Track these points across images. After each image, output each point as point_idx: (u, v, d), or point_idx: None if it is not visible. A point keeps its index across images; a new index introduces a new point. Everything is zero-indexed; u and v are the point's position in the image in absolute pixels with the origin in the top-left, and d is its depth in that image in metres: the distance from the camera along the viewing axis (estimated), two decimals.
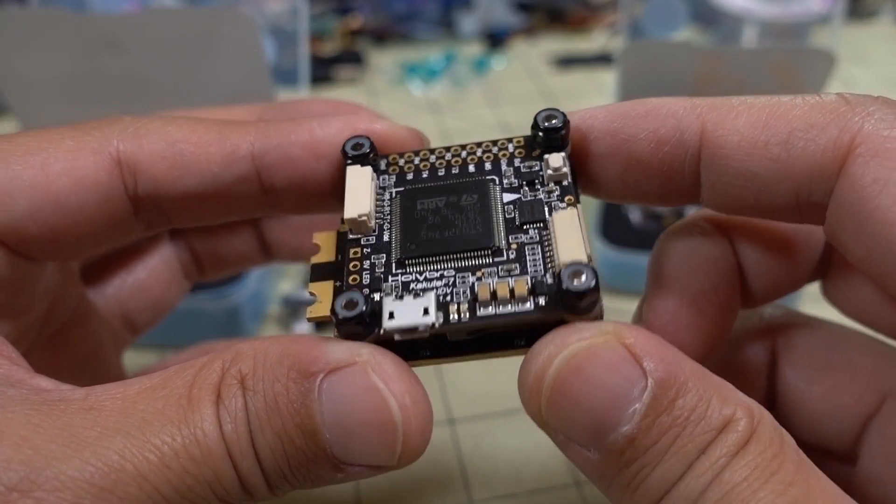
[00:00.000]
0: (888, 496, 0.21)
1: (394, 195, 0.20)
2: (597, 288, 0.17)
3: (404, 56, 0.70)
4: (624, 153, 0.20)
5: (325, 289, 0.19)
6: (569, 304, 0.17)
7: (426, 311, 0.17)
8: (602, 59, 0.68)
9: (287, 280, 0.46)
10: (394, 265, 0.19)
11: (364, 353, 0.17)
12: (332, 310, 0.17)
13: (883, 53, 0.70)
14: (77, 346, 0.25)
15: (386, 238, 0.19)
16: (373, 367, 0.17)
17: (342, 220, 0.20)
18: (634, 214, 0.46)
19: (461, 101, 0.64)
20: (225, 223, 0.25)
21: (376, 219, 0.20)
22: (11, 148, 0.20)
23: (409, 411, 0.17)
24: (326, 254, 0.20)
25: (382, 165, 0.21)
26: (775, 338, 0.24)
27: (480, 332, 0.18)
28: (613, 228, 0.44)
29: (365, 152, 0.21)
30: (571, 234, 0.18)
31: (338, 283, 0.19)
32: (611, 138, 0.20)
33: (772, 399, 0.24)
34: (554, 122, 0.20)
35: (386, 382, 0.17)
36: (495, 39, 0.72)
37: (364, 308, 0.17)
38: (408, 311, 0.17)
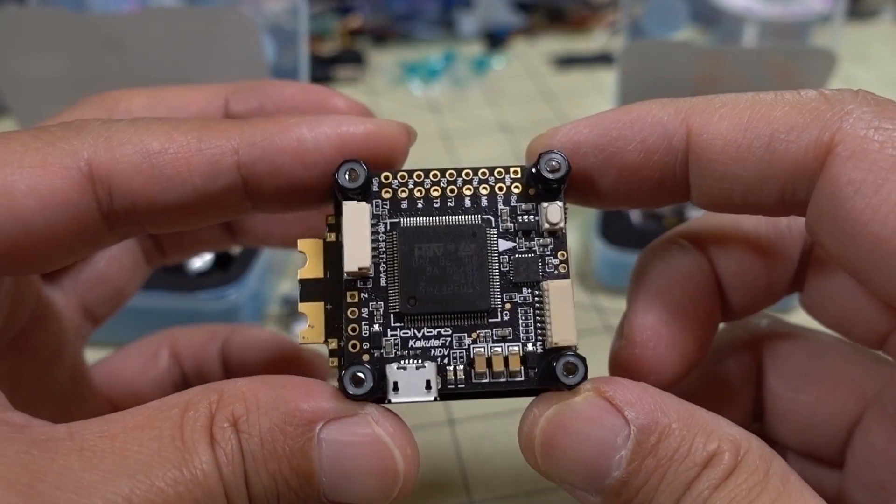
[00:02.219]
0: (872, 502, 0.21)
1: (388, 228, 0.20)
2: (586, 377, 0.18)
3: (404, 56, 0.70)
4: (614, 165, 0.20)
5: (316, 311, 0.20)
6: (560, 387, 0.19)
7: (428, 386, 0.19)
8: (602, 59, 0.68)
9: (287, 280, 0.46)
10: (392, 317, 0.19)
11: (368, 406, 0.18)
12: (342, 386, 0.18)
13: (883, 53, 0.70)
14: (38, 349, 0.24)
15: (383, 283, 0.19)
16: (375, 419, 0.18)
17: (328, 227, 0.20)
18: (634, 214, 0.46)
19: (461, 100, 0.64)
20: None
21: (373, 257, 0.20)
22: None
23: (410, 461, 0.18)
24: (314, 267, 0.20)
25: (374, 186, 0.20)
26: (761, 348, 0.25)
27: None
28: (613, 228, 0.44)
29: (359, 184, 0.20)
30: (564, 310, 0.19)
31: (337, 325, 0.19)
32: (600, 153, 0.20)
33: (759, 409, 0.25)
34: (557, 174, 0.20)
35: (390, 435, 0.18)
36: (495, 39, 0.72)
37: (372, 385, 0.18)
38: (411, 385, 0.19)
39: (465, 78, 0.67)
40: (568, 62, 0.69)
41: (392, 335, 0.19)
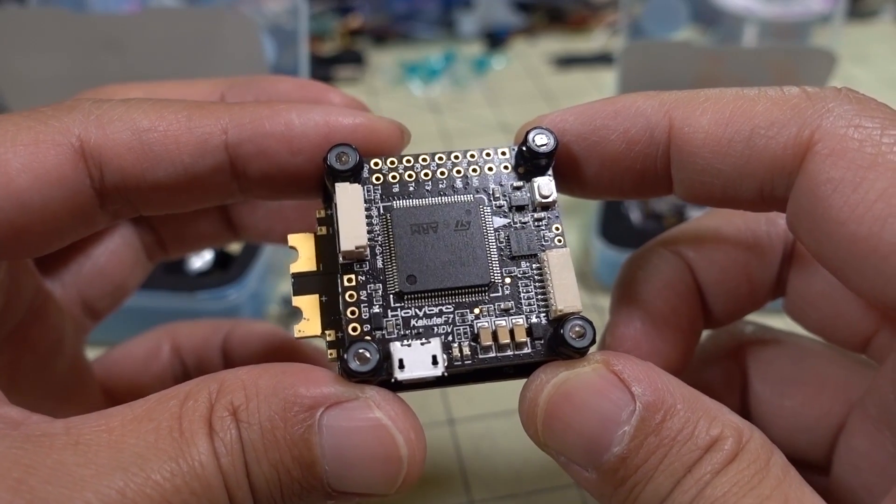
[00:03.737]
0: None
1: (381, 211, 0.20)
2: (594, 340, 0.18)
3: (404, 56, 0.70)
4: (597, 154, 0.20)
5: (311, 304, 0.19)
6: (568, 355, 0.18)
7: (435, 361, 0.18)
8: (602, 59, 0.68)
9: (287, 280, 0.46)
10: (392, 297, 0.19)
11: (368, 390, 0.18)
12: (345, 366, 0.17)
13: (883, 53, 0.70)
14: (37, 341, 0.24)
15: (379, 264, 0.19)
16: (377, 403, 0.17)
17: (318, 221, 0.20)
18: (634, 214, 0.46)
19: (461, 100, 0.64)
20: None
21: (368, 240, 0.20)
22: None
23: (414, 446, 0.18)
24: (306, 261, 0.20)
25: (365, 172, 0.21)
26: (745, 354, 0.25)
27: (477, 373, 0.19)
28: (613, 228, 0.44)
29: (350, 166, 0.20)
30: (566, 278, 0.19)
31: (333, 318, 0.19)
32: (583, 141, 0.20)
33: (745, 414, 0.25)
34: (543, 146, 0.20)
35: (391, 419, 0.17)
36: (495, 39, 0.72)
37: (377, 363, 0.17)
38: (418, 361, 0.18)
39: (465, 78, 0.67)
40: (568, 62, 0.69)
41: (393, 315, 0.19)
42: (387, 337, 0.19)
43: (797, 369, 0.24)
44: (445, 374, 0.18)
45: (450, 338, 0.19)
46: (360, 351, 0.17)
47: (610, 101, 0.20)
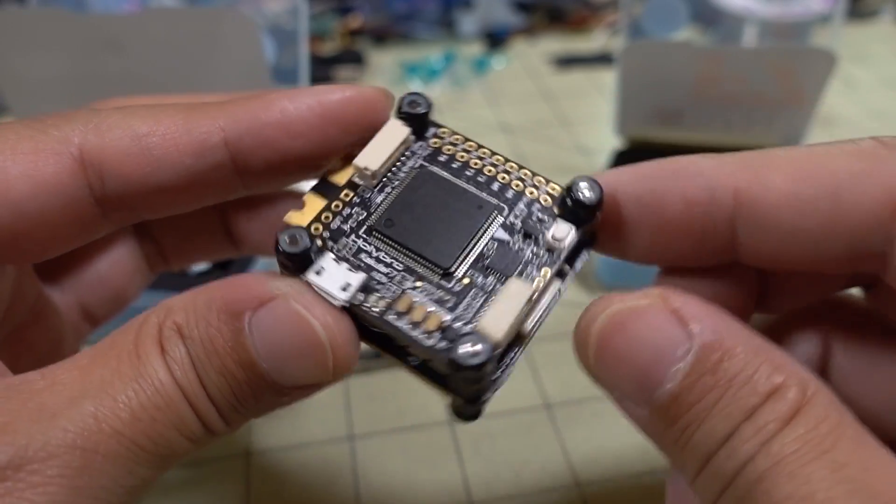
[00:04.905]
0: None
1: (416, 165, 0.21)
2: (481, 367, 0.17)
3: (404, 56, 0.70)
4: (653, 217, 0.19)
5: (315, 203, 0.20)
6: (451, 365, 0.17)
7: (344, 288, 0.18)
8: (602, 59, 0.68)
9: None
10: (363, 228, 0.20)
11: (282, 286, 0.18)
12: (275, 243, 0.18)
13: (883, 53, 0.70)
14: (35, 344, 0.25)
15: (378, 200, 0.20)
16: (293, 297, 0.18)
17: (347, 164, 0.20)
18: None
19: (461, 101, 0.64)
20: (191, 217, 0.25)
21: (386, 176, 0.20)
22: None
23: (333, 329, 0.18)
24: (341, 175, 0.21)
25: (429, 134, 0.21)
26: (828, 322, 0.23)
27: (383, 332, 0.19)
28: None
29: (420, 112, 0.21)
30: (509, 308, 0.18)
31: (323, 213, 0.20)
32: (638, 202, 0.19)
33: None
34: (587, 195, 0.19)
35: (307, 308, 0.18)
36: (495, 39, 0.72)
37: (302, 250, 0.18)
38: (332, 278, 0.18)
39: (465, 78, 0.67)
40: (568, 62, 0.69)
41: (352, 241, 0.19)
42: (333, 249, 0.19)
43: (886, 345, 0.22)
44: (346, 305, 0.18)
45: (377, 286, 0.19)
46: (294, 234, 0.18)
47: (668, 161, 0.19)
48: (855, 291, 0.23)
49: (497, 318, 0.18)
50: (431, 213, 0.20)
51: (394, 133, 0.20)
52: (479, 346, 0.17)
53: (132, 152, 0.20)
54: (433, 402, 0.36)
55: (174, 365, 0.17)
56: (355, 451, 0.33)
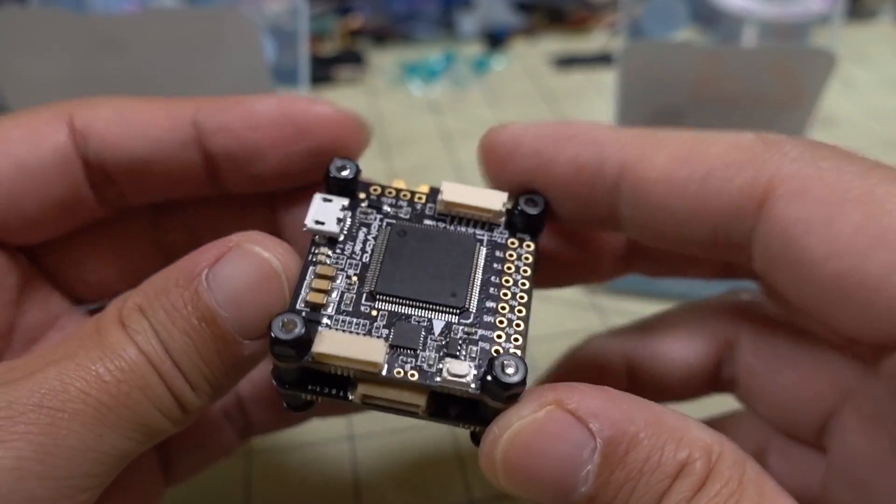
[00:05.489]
0: (856, 499, 0.21)
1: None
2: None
3: (404, 56, 0.70)
4: (545, 173, 0.20)
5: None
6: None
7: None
8: (602, 59, 0.68)
9: None
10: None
11: (235, 237, 0.19)
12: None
13: (883, 53, 0.70)
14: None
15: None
16: (246, 239, 0.19)
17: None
18: None
19: (461, 101, 0.64)
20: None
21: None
22: None
23: (286, 259, 0.19)
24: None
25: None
26: (738, 321, 0.24)
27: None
28: None
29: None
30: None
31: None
32: (535, 157, 0.20)
33: (731, 384, 0.24)
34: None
35: (260, 245, 0.19)
36: (495, 39, 0.72)
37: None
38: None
39: (465, 78, 0.67)
40: (568, 62, 0.69)
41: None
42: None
43: (793, 349, 0.23)
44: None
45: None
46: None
47: (566, 124, 0.20)
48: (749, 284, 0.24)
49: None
50: (422, 260, 0.20)
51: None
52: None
53: (115, 120, 0.22)
54: None
55: (136, 335, 0.18)
56: (355, 451, 0.33)
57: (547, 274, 0.24)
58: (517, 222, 0.21)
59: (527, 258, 0.21)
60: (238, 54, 0.38)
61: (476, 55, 0.70)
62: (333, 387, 0.19)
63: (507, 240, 0.21)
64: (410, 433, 0.34)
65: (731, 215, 0.18)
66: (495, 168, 0.22)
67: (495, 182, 0.22)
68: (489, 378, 0.17)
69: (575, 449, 0.17)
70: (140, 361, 0.18)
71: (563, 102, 0.64)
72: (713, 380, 0.25)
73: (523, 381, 0.17)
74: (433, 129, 0.60)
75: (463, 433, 0.34)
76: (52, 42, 0.38)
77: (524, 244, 0.21)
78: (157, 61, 0.38)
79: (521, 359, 0.18)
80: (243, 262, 0.19)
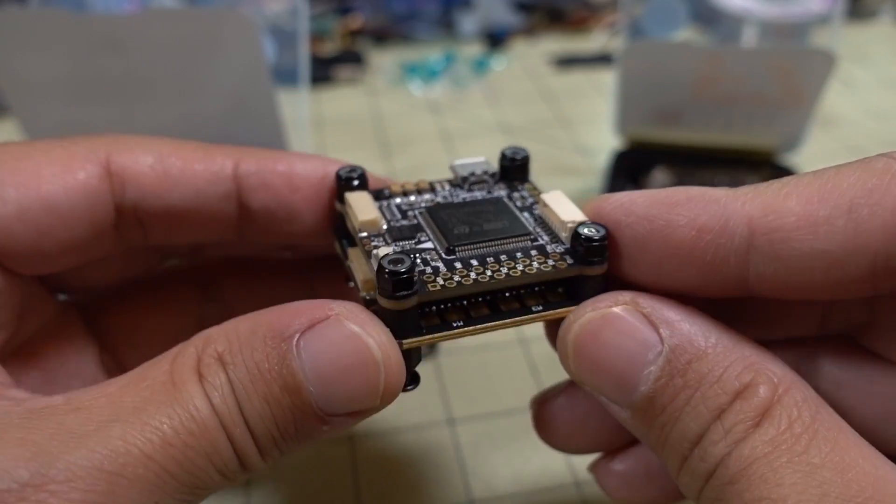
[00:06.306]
0: None
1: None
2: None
3: (404, 56, 0.70)
4: (662, 241, 0.19)
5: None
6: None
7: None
8: (602, 59, 0.69)
9: None
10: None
11: (335, 306, 0.18)
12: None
13: (883, 53, 0.70)
14: (44, 358, 0.24)
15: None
16: (346, 316, 0.18)
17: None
18: None
19: (461, 101, 0.64)
20: (280, 282, 0.27)
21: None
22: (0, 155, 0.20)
23: (388, 349, 0.18)
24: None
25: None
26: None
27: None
28: None
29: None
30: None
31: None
32: (648, 223, 0.19)
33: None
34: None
35: (362, 326, 0.18)
36: (495, 39, 0.72)
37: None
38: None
39: (465, 78, 0.67)
40: (568, 62, 0.69)
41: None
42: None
43: (878, 357, 0.21)
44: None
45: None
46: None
47: (681, 190, 0.19)
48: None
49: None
50: (469, 219, 0.21)
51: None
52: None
53: (154, 168, 0.21)
54: (433, 401, 0.36)
55: (213, 392, 0.17)
56: (356, 451, 0.33)
57: None
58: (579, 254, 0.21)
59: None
60: (238, 54, 0.38)
61: (476, 55, 0.70)
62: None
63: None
64: (410, 433, 0.34)
65: (889, 240, 0.17)
66: None
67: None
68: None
69: (641, 347, 0.17)
70: (212, 424, 0.17)
71: (563, 102, 0.64)
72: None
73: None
74: (433, 129, 0.60)
75: (464, 434, 0.34)
76: (51, 42, 0.38)
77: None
78: (157, 61, 0.38)
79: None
80: (341, 341, 0.18)
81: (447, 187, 0.24)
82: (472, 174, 0.24)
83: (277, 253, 0.28)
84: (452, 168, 0.24)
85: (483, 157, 0.25)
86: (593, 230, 0.19)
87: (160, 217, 0.22)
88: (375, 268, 0.18)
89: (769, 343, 0.22)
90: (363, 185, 0.23)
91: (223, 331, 0.18)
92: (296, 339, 0.18)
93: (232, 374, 0.17)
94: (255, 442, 0.18)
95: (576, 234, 0.20)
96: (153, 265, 0.27)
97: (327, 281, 0.28)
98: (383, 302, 0.18)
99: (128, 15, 0.39)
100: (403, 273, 0.18)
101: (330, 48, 0.70)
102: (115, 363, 0.27)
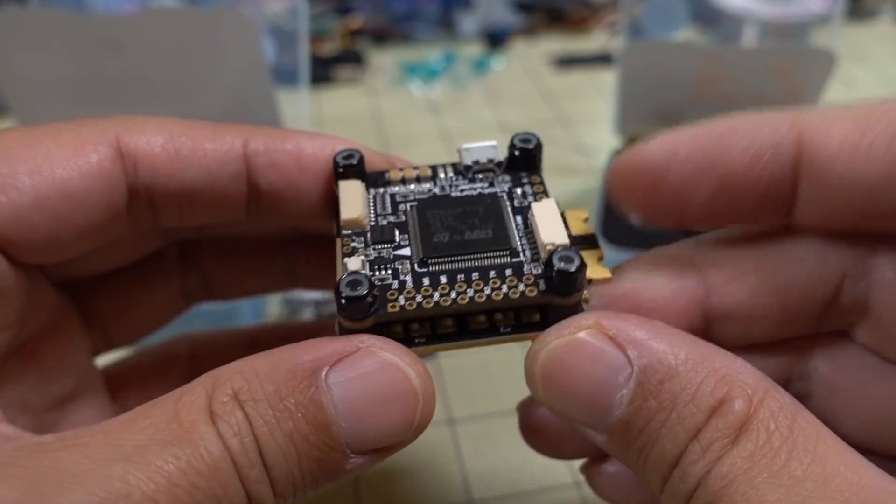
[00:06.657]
0: None
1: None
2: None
3: (404, 56, 0.70)
4: (716, 173, 0.18)
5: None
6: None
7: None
8: (602, 59, 0.68)
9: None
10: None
11: (364, 338, 0.18)
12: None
13: (883, 53, 0.70)
14: (44, 358, 0.24)
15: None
16: (379, 346, 0.17)
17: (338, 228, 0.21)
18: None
19: (461, 101, 0.64)
20: (255, 252, 0.26)
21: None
22: (8, 142, 0.20)
23: (425, 378, 0.18)
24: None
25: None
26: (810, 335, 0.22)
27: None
28: (613, 228, 0.44)
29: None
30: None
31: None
32: (701, 156, 0.19)
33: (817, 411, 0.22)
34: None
35: (398, 356, 0.17)
36: (495, 39, 0.72)
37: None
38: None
39: (465, 78, 0.67)
40: (568, 62, 0.69)
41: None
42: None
43: (871, 360, 0.21)
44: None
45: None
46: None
47: (727, 119, 0.19)
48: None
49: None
50: (455, 223, 0.21)
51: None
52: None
53: (166, 148, 0.21)
54: None
55: (228, 431, 0.16)
56: None
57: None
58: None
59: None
60: (238, 54, 0.38)
61: (476, 55, 0.70)
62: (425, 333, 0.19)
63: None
64: None
65: None
66: (647, 188, 0.20)
67: (647, 209, 0.21)
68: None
69: (610, 372, 0.17)
70: (224, 465, 0.16)
71: (563, 102, 0.64)
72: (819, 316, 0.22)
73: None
74: (433, 129, 0.60)
75: (464, 434, 0.34)
76: (51, 42, 0.38)
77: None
78: (157, 61, 0.38)
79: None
80: (377, 371, 0.17)
81: (450, 173, 0.23)
82: (477, 162, 0.23)
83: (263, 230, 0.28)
84: (459, 152, 0.23)
85: (495, 140, 0.23)
86: (567, 262, 0.18)
87: (172, 198, 0.21)
88: (336, 280, 0.18)
89: (765, 346, 0.22)
90: (361, 171, 0.22)
91: (236, 369, 0.17)
92: (324, 372, 0.17)
93: (252, 413, 0.16)
94: (271, 483, 0.17)
95: (549, 262, 0.18)
96: (159, 248, 0.27)
97: (304, 254, 0.28)
98: (340, 319, 0.18)
99: (128, 15, 0.39)
100: (359, 297, 0.17)
101: (330, 48, 0.70)
102: (105, 342, 0.27)
